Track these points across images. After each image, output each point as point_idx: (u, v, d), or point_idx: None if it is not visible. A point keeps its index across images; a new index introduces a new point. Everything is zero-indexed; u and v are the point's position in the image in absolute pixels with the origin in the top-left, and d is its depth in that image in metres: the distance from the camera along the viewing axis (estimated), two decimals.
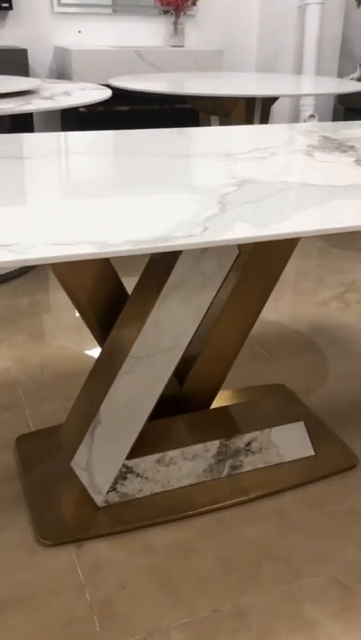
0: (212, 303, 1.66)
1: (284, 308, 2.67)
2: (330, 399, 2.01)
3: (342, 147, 1.65)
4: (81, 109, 3.96)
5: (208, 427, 1.63)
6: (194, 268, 1.34)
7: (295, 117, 4.69)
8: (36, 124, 4.18)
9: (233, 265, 1.38)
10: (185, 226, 1.03)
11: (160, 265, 1.38)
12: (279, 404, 1.74)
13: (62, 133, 1.82)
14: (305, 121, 4.58)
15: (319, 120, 4.72)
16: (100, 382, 1.51)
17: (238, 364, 2.19)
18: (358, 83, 3.10)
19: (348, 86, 3.12)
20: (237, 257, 1.38)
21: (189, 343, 1.71)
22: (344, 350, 2.30)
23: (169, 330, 1.39)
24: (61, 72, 4.11)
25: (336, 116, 4.94)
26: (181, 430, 1.61)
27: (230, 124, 3.06)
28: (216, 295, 1.62)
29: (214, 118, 3.14)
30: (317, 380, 2.11)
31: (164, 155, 1.54)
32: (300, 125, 1.98)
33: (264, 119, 3.14)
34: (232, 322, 1.64)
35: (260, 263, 1.58)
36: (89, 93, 2.63)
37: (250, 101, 3.01)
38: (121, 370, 1.42)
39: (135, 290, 1.47)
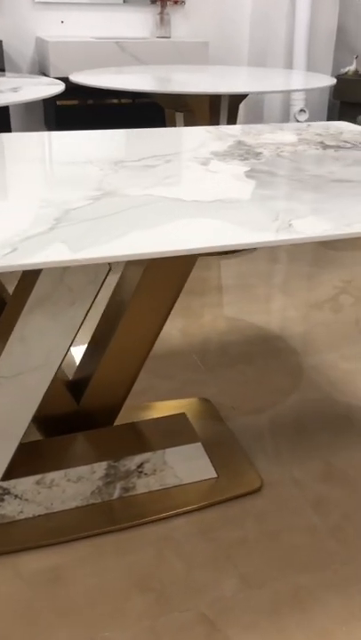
0: (109, 317, 1.59)
1: (228, 316, 2.58)
2: (255, 415, 1.93)
3: (249, 154, 1.56)
4: (58, 103, 3.90)
5: (97, 447, 1.56)
6: (59, 283, 1.27)
7: (286, 112, 4.57)
8: (13, 119, 4.13)
9: (105, 280, 1.31)
10: None
11: (27, 279, 1.32)
12: (182, 424, 1.66)
13: None
14: (295, 116, 4.45)
15: (312, 115, 4.58)
16: None
17: (169, 374, 2.13)
18: (329, 78, 2.97)
19: (318, 82, 2.99)
20: (108, 272, 1.30)
21: (88, 360, 1.65)
22: (284, 362, 2.21)
23: (37, 346, 1.33)
24: (42, 64, 4.04)
25: (331, 111, 4.80)
26: (69, 450, 1.55)
27: (196, 123, 2.97)
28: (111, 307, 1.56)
29: (180, 115, 3.04)
30: (247, 394, 2.03)
31: (44, 161, 1.46)
32: (228, 128, 1.88)
33: (232, 117, 3.03)
34: (130, 338, 1.57)
35: (155, 279, 1.51)
36: (39, 89, 2.56)
37: (215, 99, 2.91)
38: None
39: (7, 305, 1.40)
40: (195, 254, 1.49)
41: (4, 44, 3.99)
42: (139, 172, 1.40)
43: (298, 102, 4.41)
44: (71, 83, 2.87)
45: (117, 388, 1.63)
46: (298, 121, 4.44)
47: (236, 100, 3.01)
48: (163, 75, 3.22)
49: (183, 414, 1.69)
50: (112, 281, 1.48)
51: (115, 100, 3.94)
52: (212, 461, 1.66)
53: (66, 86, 2.84)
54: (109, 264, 1.32)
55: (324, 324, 2.48)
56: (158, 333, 1.60)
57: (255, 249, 3.20)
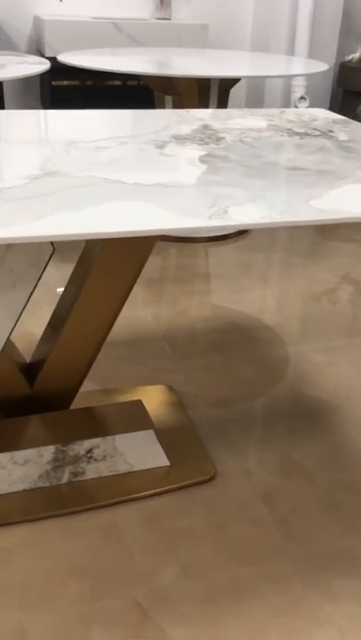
0: (65, 299, 1.58)
1: (206, 304, 2.55)
2: (218, 404, 1.91)
3: (210, 138, 1.53)
4: (53, 83, 3.86)
5: (47, 431, 1.55)
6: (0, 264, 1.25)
7: (287, 99, 4.50)
8: (11, 97, 4.10)
9: (48, 262, 1.29)
10: None
11: None
12: (136, 410, 1.65)
13: None
14: (295, 103, 4.39)
15: (313, 103, 4.51)
16: None
17: (137, 360, 2.11)
18: (322, 65, 2.91)
19: (310, 68, 2.94)
20: (52, 254, 1.28)
21: (44, 343, 1.64)
22: (255, 353, 2.18)
23: None
24: (38, 43, 4.00)
25: (334, 99, 4.72)
26: (17, 433, 1.54)
27: (184, 107, 2.93)
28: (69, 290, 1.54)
29: (169, 98, 3.00)
30: (212, 384, 2.01)
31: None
32: (198, 112, 1.85)
33: (222, 102, 2.99)
34: (84, 323, 1.55)
35: (110, 261, 1.48)
36: (22, 67, 2.53)
37: (204, 83, 2.86)
38: None
39: None
40: (153, 237, 1.47)
41: (1, 21, 3.96)
42: (91, 153, 1.38)
43: (298, 89, 4.34)
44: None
45: (72, 373, 1.61)
46: (297, 107, 4.38)
47: (226, 84, 2.96)
48: (154, 57, 3.17)
49: (139, 401, 1.67)
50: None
51: (109, 82, 3.90)
52: (166, 449, 1.65)
53: (62, 66, 2.80)
54: (53, 246, 1.31)
55: (304, 316, 2.45)
56: (114, 319, 1.58)
57: (247, 235, 3.16)
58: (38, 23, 3.93)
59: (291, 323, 2.39)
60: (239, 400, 1.94)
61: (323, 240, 3.16)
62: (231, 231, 3.09)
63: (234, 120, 1.74)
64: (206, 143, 1.49)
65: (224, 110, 1.85)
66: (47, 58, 3.00)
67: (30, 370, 1.63)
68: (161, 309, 2.43)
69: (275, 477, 1.63)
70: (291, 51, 4.37)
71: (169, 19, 4.23)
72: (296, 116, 1.83)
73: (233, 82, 3.00)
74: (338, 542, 1.46)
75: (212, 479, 1.61)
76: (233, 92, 4.54)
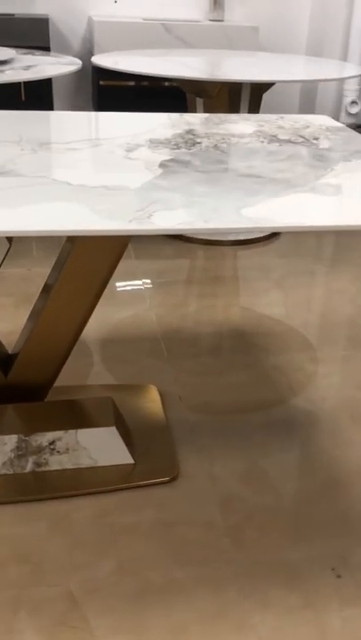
0: (44, 293, 1.63)
1: (213, 307, 2.55)
2: (199, 408, 1.92)
3: (187, 143, 1.54)
4: (101, 83, 3.95)
5: (13, 420, 1.61)
6: None
7: (339, 103, 4.43)
8: (63, 97, 4.21)
9: (5, 257, 1.34)
10: None
11: None
12: (103, 407, 1.68)
13: None
14: (346, 107, 4.31)
15: None
16: None
17: (130, 358, 2.15)
18: (353, 68, 2.85)
19: (332, 74, 2.89)
20: (8, 250, 1.34)
21: (23, 334, 1.70)
22: (250, 359, 2.18)
23: None
24: (91, 44, 4.09)
25: None
26: None
27: (214, 110, 2.94)
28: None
29: (200, 101, 3.01)
30: (199, 387, 2.02)
31: None
32: (192, 116, 1.86)
33: (254, 107, 2.98)
34: (57, 317, 1.60)
35: (82, 259, 1.52)
36: (49, 68, 2.61)
37: (235, 86, 2.87)
38: None
39: None
40: (124, 237, 1.50)
41: (56, 22, 4.08)
42: (59, 154, 1.42)
43: (350, 93, 4.27)
44: None
45: (45, 366, 1.66)
46: (348, 112, 4.31)
47: (258, 88, 2.95)
48: (195, 59, 3.19)
49: (109, 398, 1.71)
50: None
51: (155, 83, 3.94)
52: (134, 447, 1.68)
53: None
54: (9, 242, 1.36)
55: (310, 325, 2.42)
56: (88, 315, 1.62)
57: (276, 239, 3.14)
58: (90, 24, 4.02)
59: (295, 330, 2.36)
60: (222, 405, 1.94)
61: (353, 248, 3.09)
62: (261, 234, 3.07)
63: (223, 125, 1.75)
64: (178, 148, 1.50)
65: (220, 115, 1.85)
66: None
67: (8, 361, 1.70)
68: (167, 310, 2.46)
69: (238, 484, 1.63)
70: (344, 56, 4.29)
71: (222, 20, 4.24)
72: (291, 123, 1.81)
73: (266, 86, 2.98)
74: (283, 553, 1.44)
75: (173, 480, 1.63)
76: (284, 96, 4.53)
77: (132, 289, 2.62)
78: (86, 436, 1.60)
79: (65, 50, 4.12)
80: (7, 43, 3.30)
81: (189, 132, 1.66)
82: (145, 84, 3.88)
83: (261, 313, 2.49)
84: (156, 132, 1.64)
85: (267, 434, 1.82)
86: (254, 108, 3.00)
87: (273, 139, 1.63)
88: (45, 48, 3.79)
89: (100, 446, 1.62)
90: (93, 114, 1.90)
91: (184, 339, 2.29)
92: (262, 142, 1.59)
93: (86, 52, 4.14)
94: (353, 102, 4.26)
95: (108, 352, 2.16)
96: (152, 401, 1.90)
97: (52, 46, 4.04)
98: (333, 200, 1.20)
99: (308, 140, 1.63)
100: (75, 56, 3.28)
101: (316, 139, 1.65)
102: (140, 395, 1.92)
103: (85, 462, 1.62)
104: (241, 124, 1.76)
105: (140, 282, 2.66)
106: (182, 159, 1.42)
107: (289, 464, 1.71)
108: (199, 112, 3.03)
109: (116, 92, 3.94)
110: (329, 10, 4.27)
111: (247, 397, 1.98)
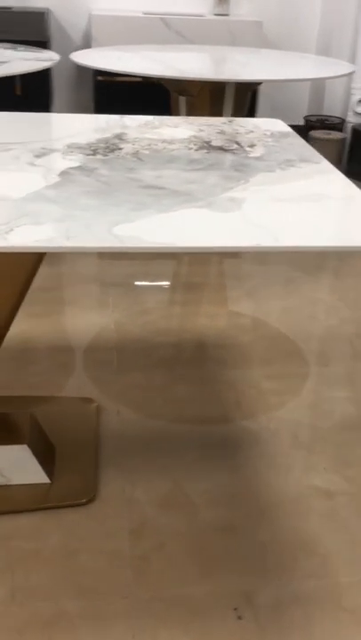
0: None
1: (176, 316, 2.46)
2: (137, 424, 1.84)
3: (107, 149, 1.46)
4: (99, 79, 3.88)
5: None
6: None
7: (347, 102, 4.27)
8: (64, 91, 4.16)
9: None
10: None
11: None
12: (18, 423, 1.61)
13: None
14: (354, 105, 4.15)
15: None
16: None
17: (77, 369, 2.07)
18: (339, 66, 2.71)
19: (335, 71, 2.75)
20: None
21: None
22: (203, 373, 2.08)
23: None
24: (89, 37, 4.02)
25: None
26: None
27: (196, 110, 2.84)
28: None
29: (183, 100, 2.91)
30: (142, 401, 1.93)
31: None
32: (132, 119, 1.75)
33: (240, 107, 2.86)
34: None
35: None
36: (23, 64, 2.54)
37: (218, 86, 2.75)
38: None
39: None
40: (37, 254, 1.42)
41: (56, 15, 4.02)
42: None
43: (358, 92, 4.10)
44: None
45: None
46: (355, 111, 4.15)
47: (244, 88, 2.84)
48: (178, 55, 3.09)
49: (27, 413, 1.64)
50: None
51: (145, 80, 3.85)
52: (54, 466, 1.61)
53: None
54: None
55: (274, 338, 2.31)
56: (5, 329, 1.55)
57: None
58: (90, 18, 3.95)
59: (258, 343, 2.26)
60: (161, 422, 1.85)
61: (341, 258, 2.96)
62: None
63: (160, 129, 1.65)
64: (94, 154, 1.42)
65: (161, 118, 1.76)
66: None
67: None
68: (128, 318, 2.38)
69: (155, 509, 1.55)
70: (353, 53, 4.12)
71: (227, 15, 4.12)
72: (236, 127, 1.71)
73: (252, 85, 2.87)
74: (186, 588, 1.36)
75: (89, 503, 1.55)
76: (294, 94, 4.39)
77: (96, 294, 2.54)
78: None
79: (66, 44, 4.05)
80: (3, 37, 3.25)
81: (118, 136, 1.57)
82: (138, 80, 3.79)
83: (227, 323, 2.39)
84: (81, 136, 1.55)
85: (201, 454, 1.73)
86: (240, 107, 2.88)
87: (204, 145, 1.53)
88: (43, 42, 3.74)
89: (13, 465, 1.55)
90: (44, 114, 1.82)
91: (139, 349, 2.20)
92: (190, 149, 1.50)
93: (86, 46, 4.07)
94: (360, 101, 4.10)
95: (55, 361, 2.09)
96: (87, 416, 1.82)
97: (52, 40, 3.99)
98: (222, 217, 1.10)
99: (242, 147, 1.53)
100: (75, 50, 3.20)
101: (252, 146, 1.54)
102: (76, 408, 1.85)
103: None
104: (180, 129, 1.67)
105: (105, 287, 2.58)
106: (90, 166, 1.33)
107: (216, 489, 1.61)
108: (182, 112, 2.93)
109: (113, 87, 3.87)
110: (340, 6, 4.11)
111: (190, 414, 1.89)
